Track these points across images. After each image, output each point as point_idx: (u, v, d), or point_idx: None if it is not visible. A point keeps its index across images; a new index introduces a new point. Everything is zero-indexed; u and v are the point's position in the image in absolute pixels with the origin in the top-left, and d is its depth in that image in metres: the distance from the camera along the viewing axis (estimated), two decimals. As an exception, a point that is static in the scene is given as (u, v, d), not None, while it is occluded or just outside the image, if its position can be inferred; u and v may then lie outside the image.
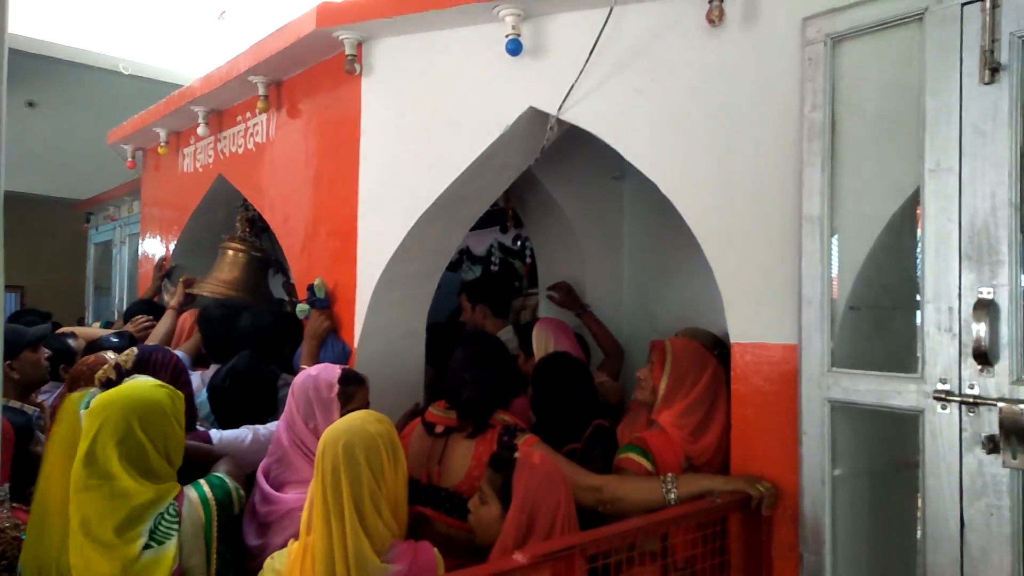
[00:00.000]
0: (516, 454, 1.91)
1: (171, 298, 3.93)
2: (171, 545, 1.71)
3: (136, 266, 5.29)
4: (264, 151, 3.53)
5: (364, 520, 1.66)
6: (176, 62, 6.72)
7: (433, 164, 2.67)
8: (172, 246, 4.50)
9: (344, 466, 1.68)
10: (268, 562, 1.73)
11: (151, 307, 4.09)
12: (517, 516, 1.75)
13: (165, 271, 4.49)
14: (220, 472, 1.93)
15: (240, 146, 3.71)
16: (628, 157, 2.26)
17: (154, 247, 4.76)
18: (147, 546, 1.70)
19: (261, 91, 3.27)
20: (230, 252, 3.96)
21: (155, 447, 1.77)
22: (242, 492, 1.92)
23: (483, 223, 3.78)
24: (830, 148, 1.86)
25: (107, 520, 1.69)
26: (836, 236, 1.87)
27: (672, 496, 1.93)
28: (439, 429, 2.28)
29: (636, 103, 2.22)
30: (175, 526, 1.73)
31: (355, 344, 2.87)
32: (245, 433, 2.26)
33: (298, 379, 2.11)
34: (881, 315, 1.96)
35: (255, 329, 3.05)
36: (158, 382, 1.89)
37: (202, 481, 1.87)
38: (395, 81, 2.80)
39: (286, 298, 3.95)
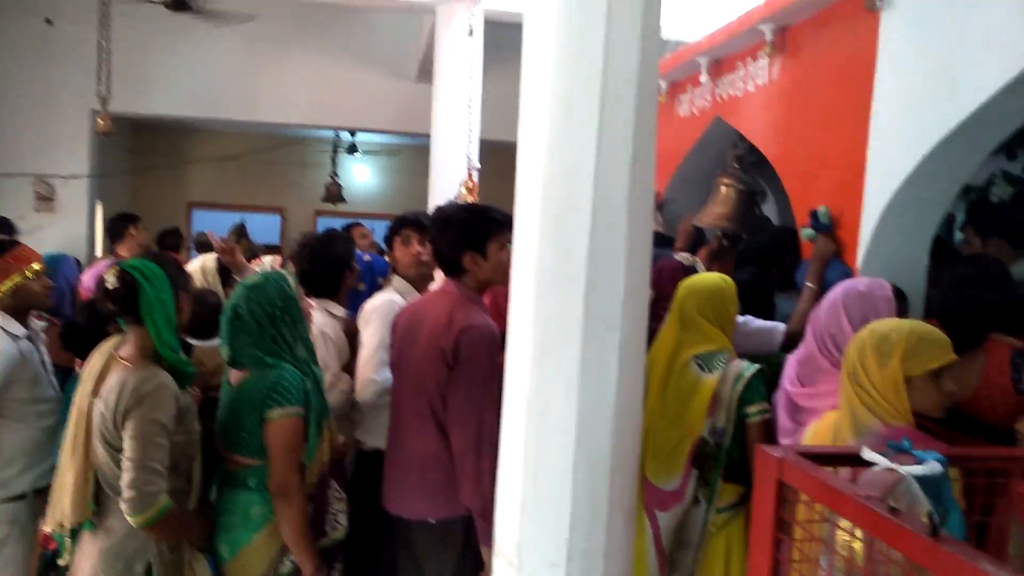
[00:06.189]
0: None
1: (658, 227, 4.62)
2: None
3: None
4: (764, 92, 3.88)
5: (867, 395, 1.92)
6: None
7: (956, 90, 2.70)
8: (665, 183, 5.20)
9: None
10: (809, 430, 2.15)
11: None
12: None
13: (658, 204, 5.21)
14: None
15: (739, 89, 4.12)
16: None
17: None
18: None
19: (768, 37, 3.61)
20: (723, 187, 4.44)
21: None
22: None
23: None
24: None
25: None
26: None
27: None
28: None
29: None
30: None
31: (856, 267, 3.10)
32: (774, 326, 2.84)
33: (848, 293, 2.35)
34: None
35: (749, 249, 3.72)
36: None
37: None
38: (917, 10, 2.87)
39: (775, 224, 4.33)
